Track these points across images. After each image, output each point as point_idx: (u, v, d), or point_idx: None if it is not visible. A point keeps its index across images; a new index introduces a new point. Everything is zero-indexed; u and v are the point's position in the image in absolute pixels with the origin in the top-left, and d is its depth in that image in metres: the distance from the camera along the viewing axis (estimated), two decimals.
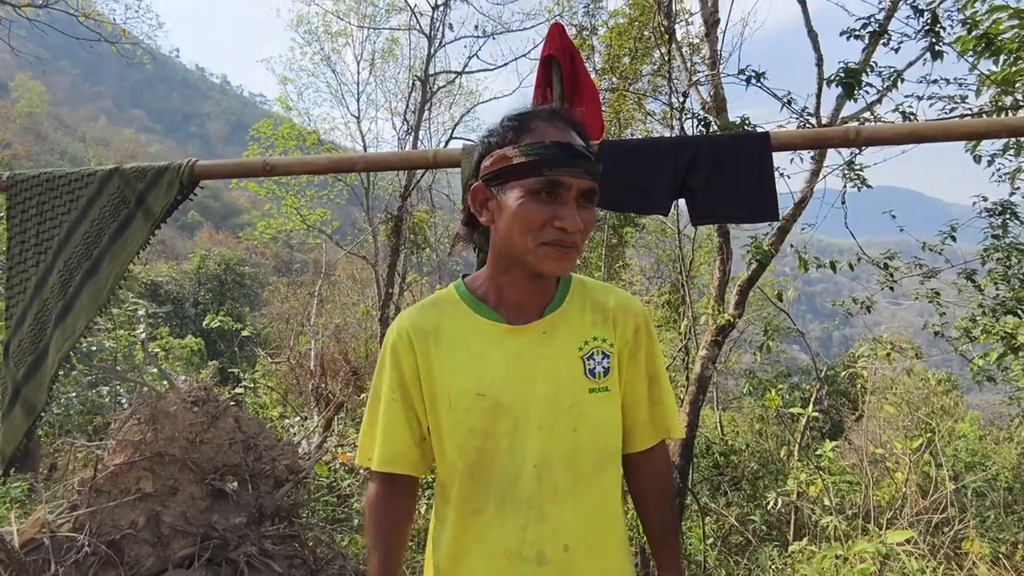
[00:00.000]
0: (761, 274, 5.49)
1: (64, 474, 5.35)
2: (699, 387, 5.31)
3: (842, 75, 4.23)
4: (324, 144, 14.00)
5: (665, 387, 1.30)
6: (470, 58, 11.92)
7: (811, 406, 5.64)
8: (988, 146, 4.78)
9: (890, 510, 4.71)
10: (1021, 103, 4.35)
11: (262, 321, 19.19)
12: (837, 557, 3.52)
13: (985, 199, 4.82)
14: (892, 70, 4.63)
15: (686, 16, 7.52)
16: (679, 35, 6.87)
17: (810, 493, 4.89)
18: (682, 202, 2.23)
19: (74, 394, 6.49)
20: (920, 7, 4.44)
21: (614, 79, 8.77)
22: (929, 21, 4.39)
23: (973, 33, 3.85)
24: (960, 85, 4.59)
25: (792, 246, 5.08)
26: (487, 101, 14.27)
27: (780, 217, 2.43)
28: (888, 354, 6.29)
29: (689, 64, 6.55)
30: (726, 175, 2.10)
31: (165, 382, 5.46)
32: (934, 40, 4.36)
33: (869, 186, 4.60)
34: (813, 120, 4.87)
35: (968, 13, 3.95)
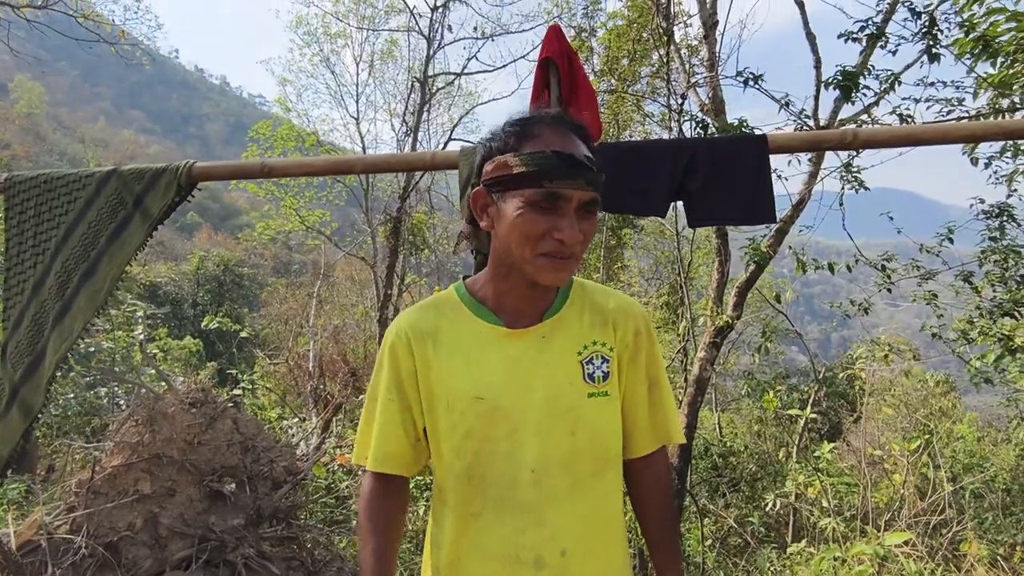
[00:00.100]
0: (759, 276, 5.50)
1: (62, 476, 5.34)
2: (697, 388, 5.32)
3: (839, 78, 4.24)
4: (323, 145, 14.01)
5: (666, 391, 1.28)
6: (469, 59, 11.96)
7: (809, 408, 5.66)
8: (985, 148, 4.79)
9: (888, 512, 4.72)
10: (1019, 105, 4.36)
11: (261, 322, 19.18)
12: (835, 559, 3.53)
13: (982, 201, 4.83)
14: (889, 73, 4.64)
15: (685, 18, 7.53)
16: (678, 37, 6.88)
17: (808, 495, 4.89)
18: (680, 204, 2.24)
19: (72, 395, 6.49)
20: (918, 10, 4.45)
21: (613, 81, 8.79)
22: (927, 24, 4.40)
23: (971, 36, 3.86)
24: (957, 88, 4.60)
25: (790, 248, 5.09)
26: (486, 103, 14.30)
27: (777, 219, 2.43)
28: (886, 356, 6.30)
29: (688, 66, 6.56)
30: (723, 177, 2.10)
31: (163, 383, 5.46)
32: (931, 43, 4.36)
33: (867, 188, 4.61)
34: (811, 122, 4.88)
35: (966, 16, 3.96)
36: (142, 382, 5.27)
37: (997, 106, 4.49)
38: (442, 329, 1.21)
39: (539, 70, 2.27)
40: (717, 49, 5.57)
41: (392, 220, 9.87)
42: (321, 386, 8.60)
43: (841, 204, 4.87)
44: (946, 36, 4.44)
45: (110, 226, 2.34)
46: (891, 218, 5.20)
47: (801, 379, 10.00)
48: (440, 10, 10.76)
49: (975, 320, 4.79)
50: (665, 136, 7.24)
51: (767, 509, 5.39)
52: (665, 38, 6.36)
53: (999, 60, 3.85)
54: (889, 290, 5.09)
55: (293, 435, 5.86)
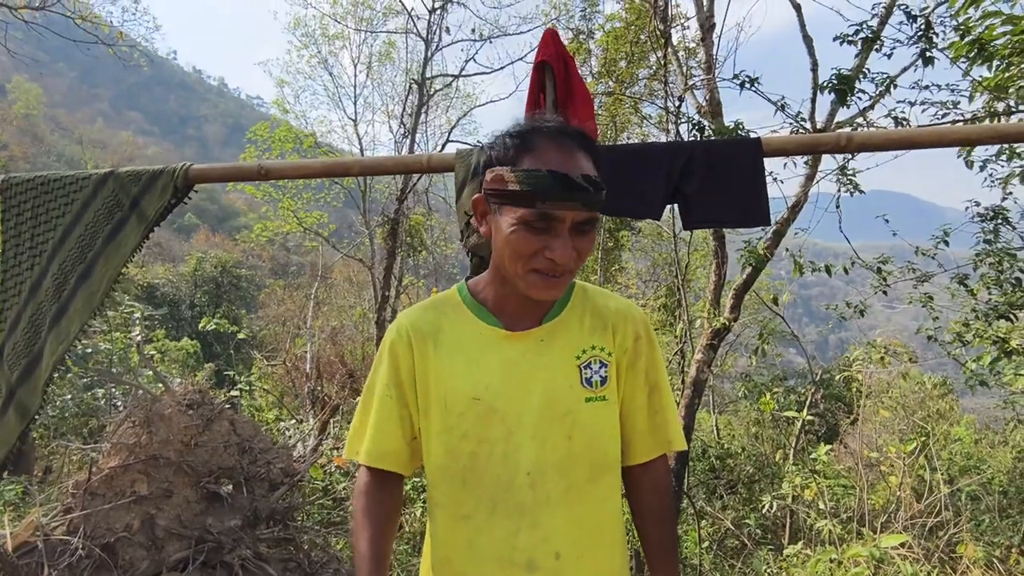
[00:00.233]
0: (756, 278, 5.51)
1: (58, 477, 5.32)
2: (695, 390, 5.33)
3: (834, 82, 4.26)
4: (321, 147, 14.02)
5: (666, 398, 1.27)
6: (467, 61, 11.95)
7: (806, 410, 5.66)
8: (981, 152, 4.80)
9: (884, 514, 4.73)
10: (1014, 109, 4.37)
11: (258, 324, 19.14)
12: (831, 561, 3.54)
13: (978, 204, 4.83)
14: (885, 76, 4.65)
15: (682, 20, 7.58)
16: (675, 39, 6.90)
17: (805, 497, 4.90)
18: (676, 206, 2.25)
19: (69, 396, 6.47)
20: (913, 13, 4.47)
21: (610, 83, 8.82)
22: (922, 27, 4.41)
23: (966, 39, 3.87)
24: (952, 91, 4.62)
25: (787, 250, 5.10)
26: (484, 104, 14.33)
27: (772, 222, 2.45)
28: (882, 358, 6.31)
29: (685, 68, 6.58)
30: (719, 180, 2.11)
31: (160, 385, 5.45)
32: (926, 46, 4.38)
33: (862, 191, 4.63)
34: (808, 124, 4.90)
35: (961, 19, 3.98)
36: (139, 383, 5.27)
37: (992, 109, 4.50)
38: (443, 329, 1.22)
39: (535, 74, 2.28)
40: (714, 51, 5.59)
41: (390, 222, 9.87)
42: (318, 388, 8.60)
43: (838, 207, 4.89)
44: (942, 39, 4.46)
45: (106, 228, 2.34)
46: (886, 221, 5.21)
47: (799, 381, 10.01)
48: (438, 12, 10.77)
49: (970, 322, 4.80)
50: (663, 138, 7.27)
51: (764, 511, 5.39)
52: (663, 40, 6.38)
53: (994, 63, 3.86)
54: (885, 292, 5.10)
55: (290, 437, 5.86)
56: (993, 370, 4.80)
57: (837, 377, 8.78)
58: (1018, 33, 3.61)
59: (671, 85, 6.59)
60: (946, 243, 4.92)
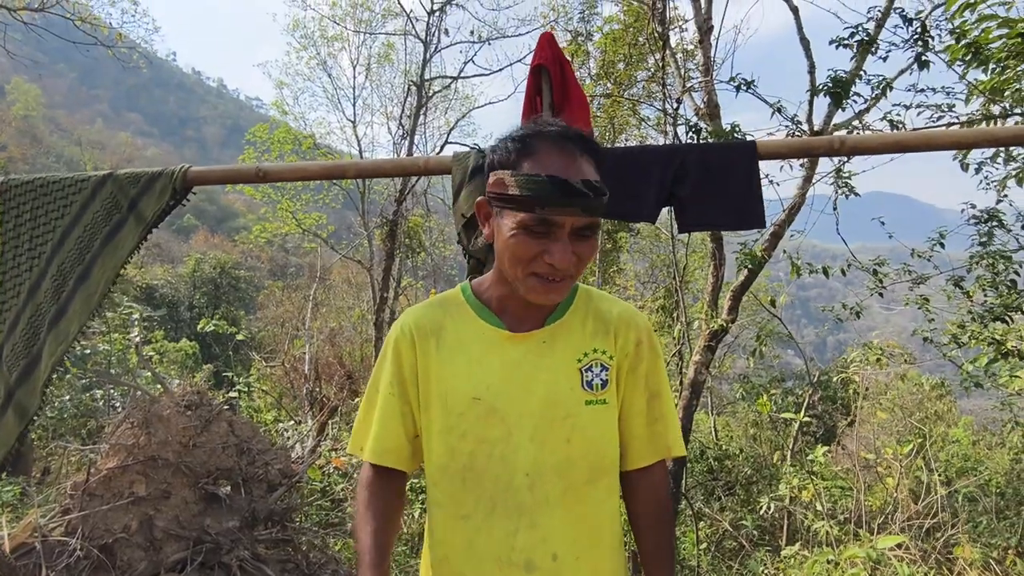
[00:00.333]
0: (754, 280, 5.52)
1: (57, 478, 5.32)
2: (693, 392, 5.34)
3: (830, 85, 4.27)
4: (320, 148, 14.03)
5: (667, 404, 1.27)
6: (466, 63, 11.97)
7: (804, 411, 5.68)
8: (976, 154, 4.81)
9: (882, 515, 4.74)
10: (1010, 112, 4.38)
11: (257, 325, 19.15)
12: (828, 562, 3.55)
13: (974, 206, 4.84)
14: (881, 79, 4.67)
15: (680, 23, 7.59)
16: (673, 42, 6.92)
17: (803, 498, 4.91)
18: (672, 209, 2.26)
19: (68, 397, 6.47)
20: (909, 16, 4.48)
21: (609, 85, 8.84)
22: (918, 30, 4.43)
23: (962, 42, 3.88)
24: (948, 94, 4.63)
25: (785, 251, 5.11)
26: (482, 106, 14.35)
27: (767, 224, 2.46)
28: (878, 359, 6.32)
29: (683, 70, 6.59)
30: (715, 183, 2.12)
31: (159, 386, 5.46)
32: (922, 50, 4.39)
33: (857, 194, 4.65)
34: (805, 126, 4.91)
35: (957, 23, 3.99)
36: (138, 385, 5.28)
37: (988, 112, 4.51)
38: (446, 328, 1.23)
39: (531, 77, 2.29)
40: (712, 54, 5.60)
41: (388, 223, 9.88)
42: (317, 389, 8.61)
43: (835, 209, 4.90)
44: (938, 43, 4.47)
45: (104, 229, 2.35)
46: (882, 223, 5.22)
47: (796, 382, 10.02)
48: (437, 14, 10.80)
49: (966, 324, 4.82)
50: (661, 140, 7.28)
51: (761, 512, 5.40)
52: (660, 43, 6.39)
53: (990, 67, 3.87)
54: (881, 294, 5.11)
55: (289, 438, 5.87)
56: (989, 372, 4.81)
57: (834, 378, 8.79)
58: (1014, 36, 3.62)
59: (669, 87, 6.60)
60: (942, 245, 4.93)
